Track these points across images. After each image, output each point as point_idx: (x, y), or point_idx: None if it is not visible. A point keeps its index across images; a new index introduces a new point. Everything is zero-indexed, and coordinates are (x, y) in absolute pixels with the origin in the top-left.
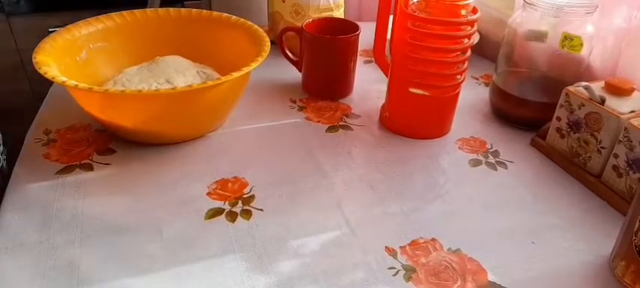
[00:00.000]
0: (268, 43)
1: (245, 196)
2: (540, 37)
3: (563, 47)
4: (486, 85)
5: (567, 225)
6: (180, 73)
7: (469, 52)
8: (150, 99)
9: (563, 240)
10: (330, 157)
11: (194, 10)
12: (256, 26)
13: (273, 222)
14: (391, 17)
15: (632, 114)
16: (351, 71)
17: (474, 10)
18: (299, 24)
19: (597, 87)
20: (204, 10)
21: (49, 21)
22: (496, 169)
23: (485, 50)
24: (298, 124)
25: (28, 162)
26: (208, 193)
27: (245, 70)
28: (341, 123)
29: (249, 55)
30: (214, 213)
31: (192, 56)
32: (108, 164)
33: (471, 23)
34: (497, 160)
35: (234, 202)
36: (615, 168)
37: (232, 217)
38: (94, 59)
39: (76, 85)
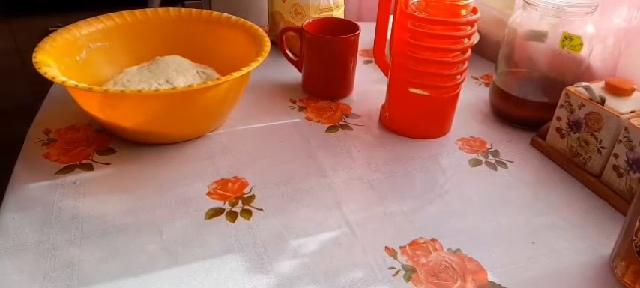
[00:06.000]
0: (268, 43)
1: (245, 196)
2: (540, 37)
3: (563, 47)
4: (486, 85)
5: (567, 225)
6: (181, 73)
7: (469, 52)
8: (150, 99)
9: (563, 240)
10: (330, 157)
11: (194, 10)
12: (256, 26)
13: (273, 222)
14: (391, 17)
15: (632, 114)
16: (351, 71)
17: (474, 10)
18: (299, 24)
19: (597, 87)
20: (204, 10)
21: (49, 21)
22: (496, 169)
23: (485, 50)
24: (298, 124)
25: (28, 162)
26: (208, 193)
27: (245, 70)
28: (341, 123)
29: (249, 55)
30: (214, 213)
31: (192, 56)
32: (108, 164)
33: (471, 23)
34: (497, 160)
35: (234, 202)
36: (615, 168)
37: (232, 217)
38: (94, 59)
39: (76, 85)
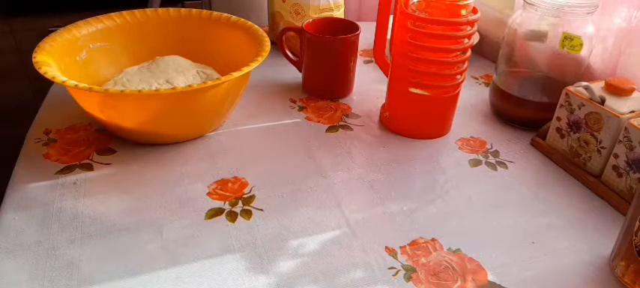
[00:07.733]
0: (268, 43)
1: (245, 196)
2: (540, 37)
3: (563, 47)
4: (486, 85)
5: (567, 225)
6: (181, 73)
7: (469, 52)
8: (150, 99)
9: (563, 240)
10: (330, 157)
11: (194, 10)
12: (256, 26)
13: (273, 222)
14: (391, 17)
15: (632, 114)
16: (351, 71)
17: (474, 10)
18: (299, 24)
19: (597, 87)
20: (204, 10)
21: (49, 21)
22: (496, 169)
23: (485, 50)
24: (298, 124)
25: (28, 162)
26: (208, 193)
27: (245, 70)
28: (341, 123)
29: (249, 55)
30: (214, 213)
31: (192, 56)
32: (108, 164)
33: (471, 23)
34: (498, 160)
35: (234, 202)
36: (615, 168)
37: (232, 217)
38: (94, 59)
39: (76, 85)
